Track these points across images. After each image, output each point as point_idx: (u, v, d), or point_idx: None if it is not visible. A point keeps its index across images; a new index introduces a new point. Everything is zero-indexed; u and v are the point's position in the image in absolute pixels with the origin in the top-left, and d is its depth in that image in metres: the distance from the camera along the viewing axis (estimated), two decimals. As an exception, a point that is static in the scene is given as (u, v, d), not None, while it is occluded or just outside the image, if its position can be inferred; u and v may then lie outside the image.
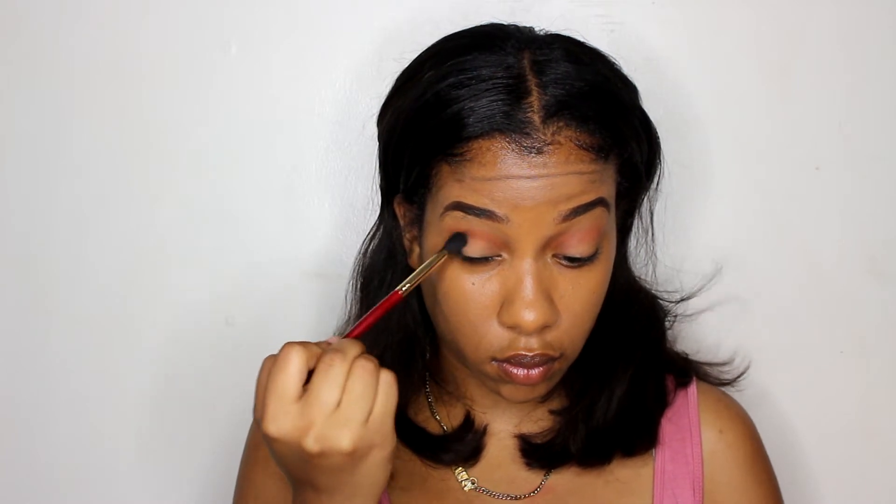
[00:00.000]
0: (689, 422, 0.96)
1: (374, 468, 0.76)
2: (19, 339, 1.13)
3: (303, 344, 0.75)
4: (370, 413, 0.74)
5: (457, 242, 0.82)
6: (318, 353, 0.75)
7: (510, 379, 0.85)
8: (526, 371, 0.85)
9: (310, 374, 0.74)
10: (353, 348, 0.76)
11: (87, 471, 1.15)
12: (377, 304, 0.81)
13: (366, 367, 0.74)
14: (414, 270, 0.90)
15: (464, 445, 0.95)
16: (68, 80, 1.09)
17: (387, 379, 0.75)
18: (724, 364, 1.03)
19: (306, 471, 0.77)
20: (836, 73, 1.09)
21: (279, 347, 1.05)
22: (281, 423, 0.73)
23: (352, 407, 0.74)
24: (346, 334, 0.79)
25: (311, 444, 0.73)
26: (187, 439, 1.14)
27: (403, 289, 0.82)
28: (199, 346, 1.13)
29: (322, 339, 1.03)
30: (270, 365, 0.75)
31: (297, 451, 0.74)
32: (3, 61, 1.09)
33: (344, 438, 0.74)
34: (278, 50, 1.09)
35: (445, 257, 0.83)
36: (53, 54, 1.09)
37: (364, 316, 0.81)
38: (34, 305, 1.13)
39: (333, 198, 1.11)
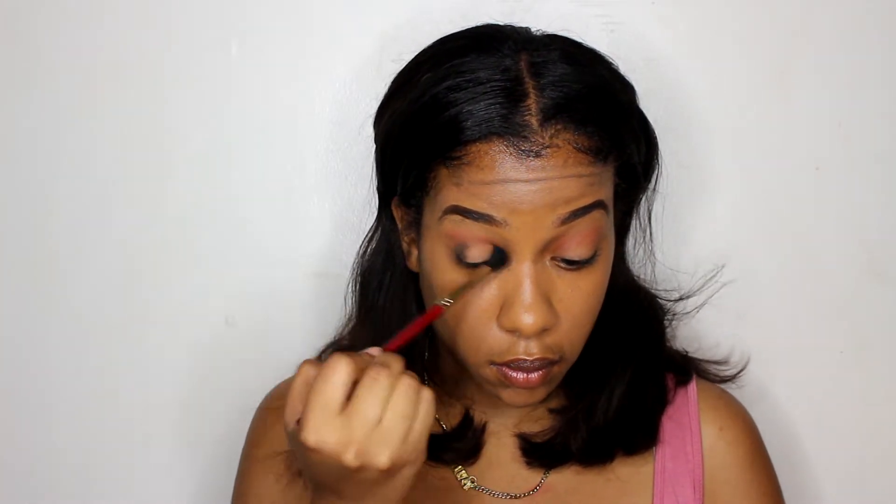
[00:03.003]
0: (689, 419, 0.96)
1: (403, 482, 0.76)
2: (19, 339, 1.13)
3: (349, 355, 0.74)
4: (410, 431, 0.74)
5: (499, 256, 0.82)
6: (362, 365, 0.74)
7: (509, 382, 0.85)
8: (525, 375, 0.85)
9: (353, 385, 0.73)
10: (398, 363, 0.75)
11: (86, 470, 1.15)
12: (418, 318, 0.81)
13: (411, 384, 0.74)
14: (413, 272, 0.91)
15: (463, 444, 0.95)
16: (68, 80, 1.09)
17: (427, 397, 0.75)
18: (723, 363, 1.03)
19: (336, 481, 0.76)
20: (836, 73, 1.09)
21: (279, 348, 1.05)
22: (323, 435, 0.72)
23: (394, 424, 0.73)
24: (385, 347, 0.78)
25: (351, 458, 0.72)
26: (187, 439, 1.14)
27: (447, 304, 0.81)
28: (199, 346, 1.13)
29: (323, 340, 1.04)
30: (311, 371, 0.74)
31: (335, 463, 0.73)
32: (3, 61, 1.09)
33: (383, 456, 0.73)
34: (278, 50, 1.09)
35: (490, 274, 0.82)
36: (53, 54, 1.09)
37: (404, 328, 0.80)
38: (34, 305, 1.13)
39: (333, 198, 1.11)
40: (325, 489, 0.78)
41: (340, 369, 0.73)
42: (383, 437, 0.73)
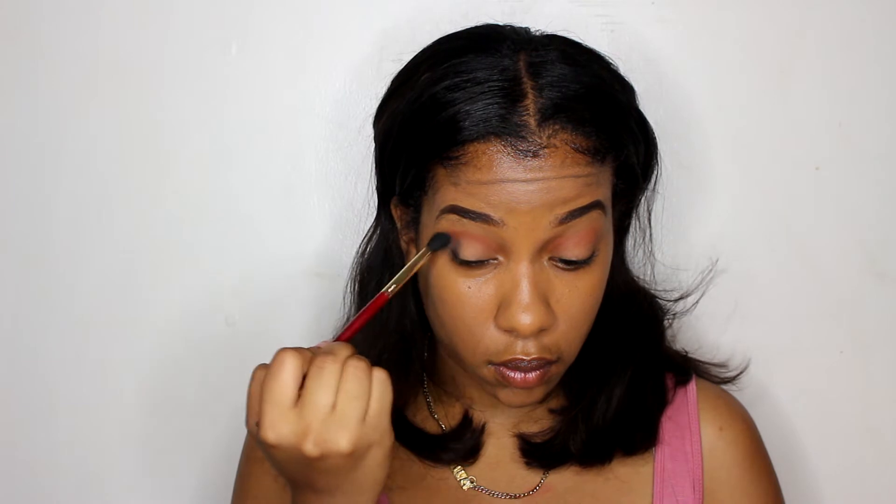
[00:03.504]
0: (688, 419, 0.96)
1: (374, 466, 0.77)
2: (19, 338, 1.13)
3: (295, 349, 0.75)
4: (366, 412, 0.74)
5: (440, 240, 0.82)
6: (310, 357, 0.75)
7: (507, 382, 0.85)
8: (523, 375, 0.85)
9: (304, 379, 0.74)
10: (344, 350, 0.76)
11: (86, 470, 1.15)
12: (365, 307, 0.81)
13: (358, 366, 0.75)
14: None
15: (462, 444, 0.95)
16: (68, 80, 1.09)
17: (380, 377, 0.75)
18: (723, 364, 1.03)
19: (306, 474, 0.77)
20: (836, 73, 1.09)
21: (278, 348, 1.05)
22: (279, 430, 0.73)
23: (347, 407, 0.74)
24: (336, 337, 0.80)
25: (311, 448, 0.73)
26: (187, 439, 1.14)
27: (390, 290, 0.82)
28: (198, 346, 1.13)
29: (321, 339, 1.04)
30: (262, 374, 0.75)
31: (297, 456, 0.74)
32: (3, 61, 1.09)
33: (342, 440, 0.74)
34: (278, 50, 1.09)
35: (429, 256, 0.83)
36: (53, 54, 1.09)
37: (353, 319, 0.81)
38: (34, 305, 1.13)
39: (333, 198, 1.11)
40: (300, 486, 0.79)
41: (287, 364, 0.74)
42: (339, 421, 0.73)
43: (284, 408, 0.73)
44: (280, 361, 0.74)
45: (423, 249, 0.83)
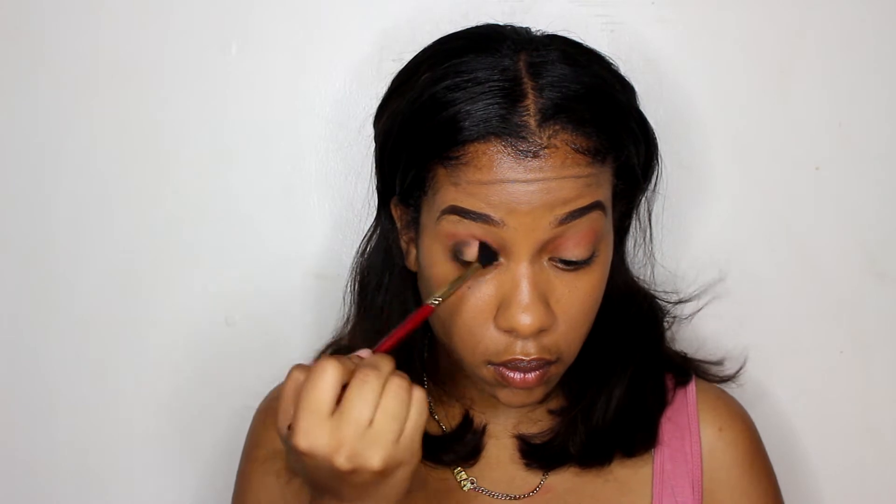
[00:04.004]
0: (688, 420, 0.96)
1: (399, 482, 0.76)
2: (19, 338, 1.13)
3: (337, 358, 0.74)
4: (402, 432, 0.74)
5: (488, 254, 0.82)
6: (351, 368, 0.74)
7: (507, 383, 0.85)
8: (522, 375, 0.85)
9: (343, 388, 0.73)
10: (387, 364, 0.75)
11: (86, 470, 1.15)
12: (408, 318, 0.81)
13: (401, 385, 0.74)
14: (412, 272, 0.91)
15: (463, 445, 0.95)
16: (68, 80, 1.09)
17: (419, 396, 0.75)
18: (722, 364, 1.03)
19: (333, 485, 0.76)
20: (836, 73, 1.09)
21: (279, 348, 1.05)
22: (313, 439, 0.72)
23: (385, 425, 0.73)
24: (376, 348, 0.78)
25: (343, 461, 0.73)
26: (187, 439, 1.14)
27: (435, 302, 0.81)
28: (199, 346, 1.13)
29: (322, 339, 1.04)
30: (300, 376, 0.74)
31: (327, 466, 0.73)
32: (3, 61, 1.09)
33: (375, 457, 0.73)
34: (278, 50, 1.09)
35: (479, 270, 0.82)
36: (53, 54, 1.09)
37: (394, 329, 0.80)
38: (34, 305, 1.13)
39: (333, 198, 1.11)
40: (323, 492, 0.78)
41: (328, 372, 0.73)
42: (375, 438, 0.73)
43: (321, 417, 0.72)
44: (322, 369, 0.73)
45: (474, 264, 0.82)
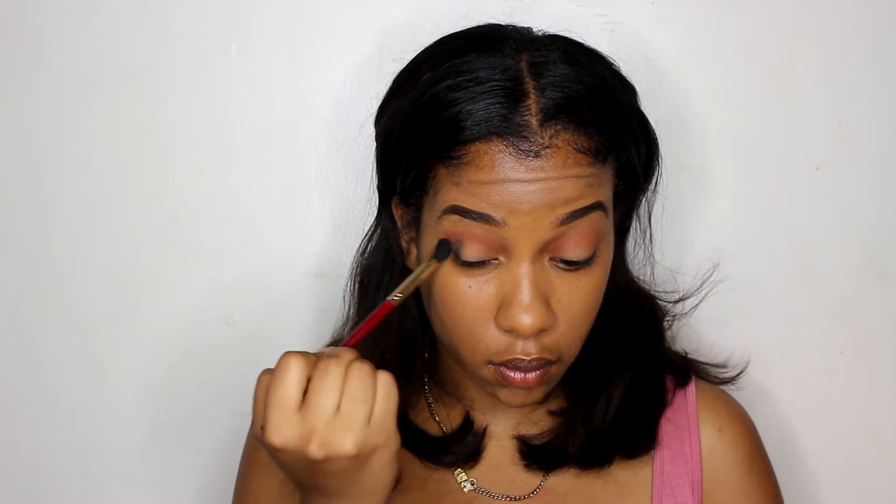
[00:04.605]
0: (687, 421, 0.96)
1: (380, 468, 0.76)
2: (19, 338, 1.13)
3: (299, 353, 0.75)
4: (371, 414, 0.74)
5: (444, 249, 0.82)
6: (315, 360, 0.75)
7: (507, 382, 0.85)
8: (523, 375, 0.85)
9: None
10: (348, 353, 0.76)
11: (86, 471, 1.15)
12: (370, 315, 0.81)
13: (362, 369, 0.74)
14: (410, 272, 0.91)
15: (463, 447, 0.95)
16: (68, 80, 1.09)
17: (385, 379, 0.75)
18: (722, 365, 1.03)
19: (313, 477, 0.76)
20: (836, 73, 1.09)
21: (279, 348, 1.05)
22: (284, 433, 0.73)
23: (352, 410, 0.74)
24: (342, 344, 0.79)
25: (315, 450, 0.73)
26: (187, 439, 1.14)
27: (395, 298, 0.82)
28: (199, 346, 1.13)
29: (322, 339, 1.04)
30: (267, 378, 0.75)
31: (302, 458, 0.74)
32: (3, 61, 1.09)
33: (347, 442, 0.73)
34: (278, 50, 1.09)
35: (434, 265, 0.83)
36: (53, 54, 1.09)
37: (359, 326, 0.81)
38: (34, 305, 1.13)
39: (333, 198, 1.11)
40: (307, 489, 0.79)
41: (291, 367, 0.74)
42: (343, 423, 0.73)
43: (289, 411, 0.73)
44: (284, 365, 0.74)
45: (429, 260, 0.83)
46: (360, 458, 0.75)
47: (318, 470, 0.75)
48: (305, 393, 0.74)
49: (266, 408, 0.74)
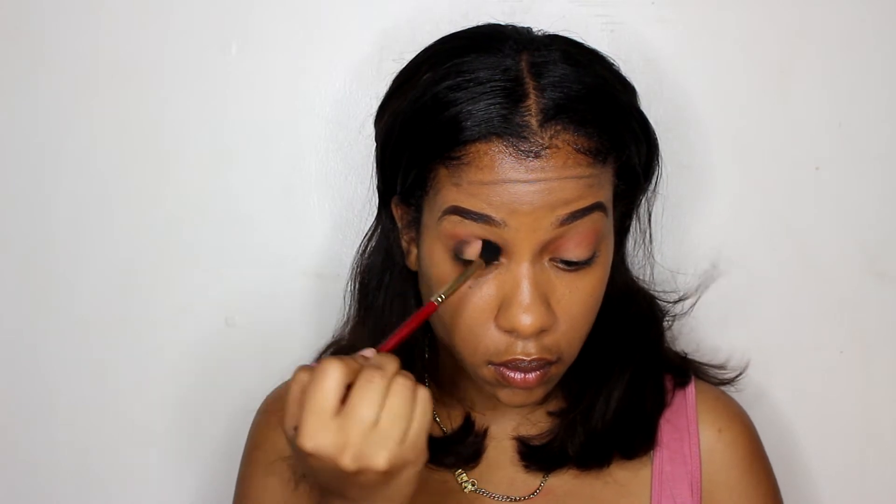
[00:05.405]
0: (687, 421, 0.96)
1: (405, 483, 0.76)
2: (19, 338, 1.13)
3: (341, 359, 0.74)
4: (407, 432, 0.74)
5: (491, 251, 0.82)
6: (356, 367, 0.74)
7: (507, 383, 0.85)
8: (523, 375, 0.84)
9: (348, 388, 0.73)
10: (392, 364, 0.75)
11: (86, 471, 1.15)
12: (412, 316, 0.80)
13: (406, 384, 0.74)
14: (412, 271, 0.91)
15: (464, 448, 0.95)
16: (68, 80, 1.09)
17: (424, 396, 0.74)
18: (722, 366, 1.03)
19: (338, 484, 0.76)
20: (836, 73, 1.09)
21: (279, 348, 1.05)
22: (318, 440, 0.72)
23: (390, 425, 0.73)
24: (380, 347, 0.78)
25: (348, 462, 0.72)
26: (187, 439, 1.14)
27: (439, 300, 0.81)
28: (199, 346, 1.13)
29: (322, 339, 1.04)
30: (305, 377, 0.74)
31: (332, 467, 0.73)
32: (3, 61, 1.09)
33: (380, 458, 0.73)
34: (278, 50, 1.09)
35: (481, 266, 0.82)
36: (53, 54, 1.09)
37: (398, 328, 0.80)
38: (34, 306, 1.13)
39: (333, 198, 1.11)
40: (329, 493, 0.78)
41: (332, 373, 0.73)
42: (380, 438, 0.72)
43: (326, 417, 0.72)
44: (325, 369, 0.73)
45: (477, 261, 0.82)
46: (391, 474, 0.74)
47: (346, 479, 0.74)
48: (344, 400, 0.73)
49: (302, 410, 0.73)
